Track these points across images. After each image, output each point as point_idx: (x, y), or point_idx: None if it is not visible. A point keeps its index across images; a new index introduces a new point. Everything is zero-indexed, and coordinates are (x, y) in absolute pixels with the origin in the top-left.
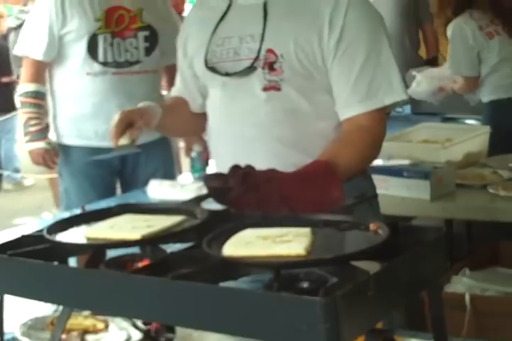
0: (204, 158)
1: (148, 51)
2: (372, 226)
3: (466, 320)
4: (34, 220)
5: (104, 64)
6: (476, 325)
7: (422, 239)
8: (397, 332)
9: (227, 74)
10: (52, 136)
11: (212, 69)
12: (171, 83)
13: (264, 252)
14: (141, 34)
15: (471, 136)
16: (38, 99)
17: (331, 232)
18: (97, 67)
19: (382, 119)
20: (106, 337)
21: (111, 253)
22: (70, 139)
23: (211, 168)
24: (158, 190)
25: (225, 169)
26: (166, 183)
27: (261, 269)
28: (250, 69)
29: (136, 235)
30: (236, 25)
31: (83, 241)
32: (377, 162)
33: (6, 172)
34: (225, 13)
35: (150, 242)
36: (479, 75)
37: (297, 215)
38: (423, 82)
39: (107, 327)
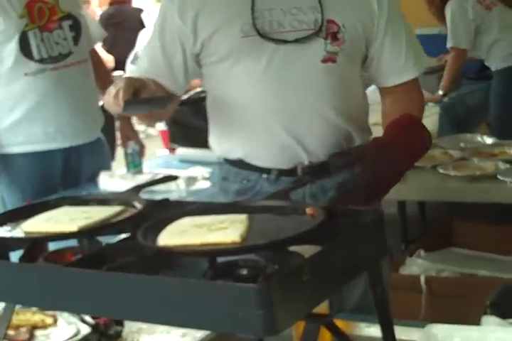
0: (141, 154)
1: (76, 40)
2: (308, 211)
3: (422, 301)
4: None
5: (41, 61)
6: (433, 307)
7: (359, 222)
8: (344, 316)
9: (285, 42)
10: None
11: (268, 38)
12: (96, 68)
13: (198, 240)
14: (65, 24)
15: None
16: None
17: (268, 218)
18: (34, 65)
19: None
20: (55, 332)
21: (55, 247)
22: (12, 148)
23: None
24: (109, 182)
25: (269, 142)
26: (116, 175)
27: (196, 258)
28: (311, 38)
29: (73, 227)
30: None
31: (20, 234)
32: None
33: None
34: None
35: (87, 234)
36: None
37: (236, 202)
38: None
39: (55, 321)
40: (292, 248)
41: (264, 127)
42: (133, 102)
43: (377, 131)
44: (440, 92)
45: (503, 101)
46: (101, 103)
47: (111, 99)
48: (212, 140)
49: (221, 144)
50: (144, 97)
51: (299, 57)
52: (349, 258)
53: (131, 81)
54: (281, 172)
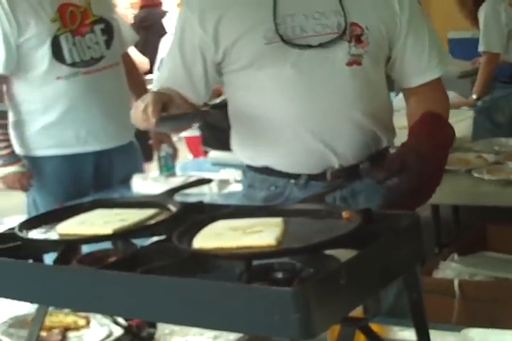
0: (174, 157)
1: (108, 44)
2: (344, 214)
3: (455, 305)
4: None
5: (73, 65)
6: (466, 311)
7: (396, 226)
8: (377, 320)
9: (309, 47)
10: (18, 150)
11: (292, 44)
12: (128, 71)
13: (234, 243)
14: (97, 27)
15: (455, 120)
16: (2, 119)
17: (303, 221)
18: (66, 69)
19: None
20: (87, 333)
21: (88, 249)
22: (44, 150)
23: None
24: (142, 185)
25: (297, 148)
26: (149, 177)
27: (231, 261)
28: (335, 42)
29: (107, 230)
30: (297, 2)
31: (54, 237)
32: None
33: None
34: None
35: (122, 236)
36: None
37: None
38: None
39: (88, 323)
40: (328, 252)
41: (291, 133)
42: (165, 119)
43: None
44: (474, 96)
45: None
46: None
47: (139, 114)
48: (235, 147)
49: (245, 151)
50: (175, 113)
51: (323, 62)
52: (385, 262)
53: (159, 96)
54: (311, 177)
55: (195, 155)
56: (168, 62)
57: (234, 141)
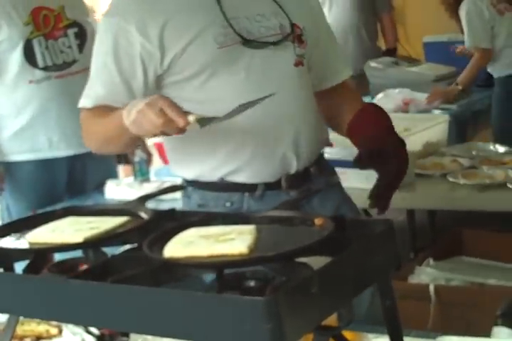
0: (149, 163)
1: (81, 48)
2: (317, 221)
3: (431, 311)
4: None
5: (45, 69)
6: (442, 316)
7: (369, 232)
8: (351, 327)
9: (265, 43)
10: None
11: (253, 45)
12: None
13: (205, 252)
14: (71, 31)
15: (430, 125)
16: None
17: (276, 228)
18: (38, 73)
19: None
20: None
21: (60, 257)
22: (17, 155)
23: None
24: (115, 190)
25: (258, 154)
26: (123, 183)
27: (202, 270)
28: (282, 42)
29: (78, 238)
30: (237, 6)
31: (24, 245)
32: (334, 152)
33: None
34: None
35: (92, 245)
36: (492, 48)
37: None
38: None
39: (60, 332)
40: (301, 259)
41: (253, 140)
42: (205, 119)
43: None
44: (459, 87)
45: (504, 110)
46: None
47: (152, 120)
48: (177, 166)
49: (192, 168)
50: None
51: (275, 62)
52: (359, 269)
53: (167, 97)
54: (267, 187)
55: (165, 161)
56: (100, 77)
57: (175, 160)
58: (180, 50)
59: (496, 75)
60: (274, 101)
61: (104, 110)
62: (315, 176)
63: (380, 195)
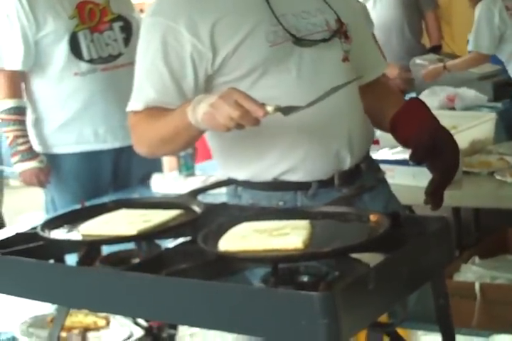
0: (195, 156)
1: (127, 42)
2: (372, 218)
3: (476, 308)
4: (40, 216)
5: (91, 61)
6: (487, 314)
7: (425, 230)
8: (404, 325)
9: (315, 42)
10: (36, 148)
11: (303, 40)
12: None
13: (260, 246)
14: (116, 25)
15: (477, 123)
16: (21, 115)
17: (331, 224)
18: (84, 65)
19: None
20: (107, 334)
21: (111, 249)
22: (62, 148)
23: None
24: (161, 184)
25: (313, 151)
26: (169, 177)
27: (258, 264)
28: (330, 39)
29: (131, 230)
30: (284, 3)
31: (77, 237)
32: (383, 151)
33: (8, 169)
34: None
35: (146, 237)
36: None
37: (297, 207)
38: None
39: (108, 324)
40: (354, 255)
41: (305, 138)
42: (287, 107)
43: None
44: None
45: None
46: None
47: (228, 112)
48: (227, 166)
49: (245, 168)
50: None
51: (324, 59)
52: (414, 267)
53: (240, 90)
54: (320, 185)
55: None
56: (150, 78)
57: (225, 160)
58: (232, 49)
59: None
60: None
61: (156, 112)
62: (365, 173)
63: (436, 191)
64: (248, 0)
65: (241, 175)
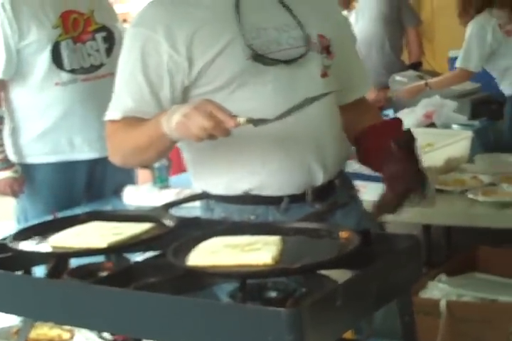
0: (170, 169)
1: (109, 52)
2: (342, 234)
3: (440, 326)
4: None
5: (72, 71)
6: (452, 331)
7: (394, 248)
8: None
9: (286, 62)
10: (11, 157)
11: (264, 61)
12: None
13: (230, 261)
14: (99, 35)
15: (452, 141)
16: None
17: (302, 240)
18: (65, 75)
19: None
20: None
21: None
22: (37, 157)
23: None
24: (134, 196)
25: (285, 166)
26: (142, 189)
27: (226, 279)
28: (307, 55)
29: (102, 243)
30: (260, 16)
31: (47, 249)
32: (355, 167)
33: None
34: (237, 5)
35: (116, 250)
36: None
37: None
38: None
39: (72, 337)
40: (324, 272)
41: (279, 152)
42: (258, 119)
43: None
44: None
45: None
46: None
47: (200, 123)
48: (200, 179)
49: (217, 181)
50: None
51: (301, 74)
52: (382, 284)
53: (214, 101)
54: (292, 200)
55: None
56: (128, 88)
57: (199, 173)
58: (208, 61)
59: (506, 93)
60: (299, 112)
61: (132, 121)
62: (339, 189)
63: (384, 205)
64: (228, 13)
65: (213, 187)
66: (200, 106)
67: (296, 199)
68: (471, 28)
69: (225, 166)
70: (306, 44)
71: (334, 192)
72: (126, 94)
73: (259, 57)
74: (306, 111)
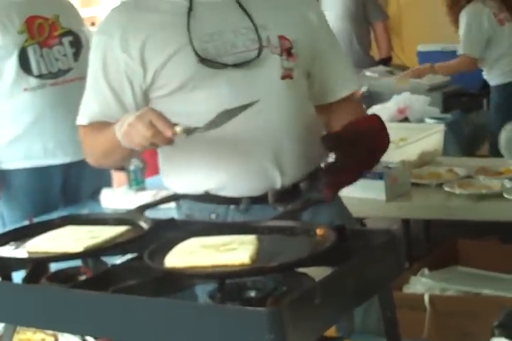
0: (145, 171)
1: (76, 56)
2: (318, 232)
3: (426, 320)
4: None
5: (40, 76)
6: (437, 326)
7: (371, 243)
8: (353, 338)
9: (236, 65)
10: None
11: (216, 63)
12: None
13: (207, 262)
14: (66, 40)
15: (426, 134)
16: None
17: (278, 239)
18: (33, 81)
19: None
20: None
21: (59, 266)
22: (12, 163)
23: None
24: (111, 199)
25: (241, 170)
26: (118, 191)
27: (204, 280)
28: (263, 57)
29: (78, 247)
30: (217, 20)
31: (24, 255)
32: None
33: None
34: (189, 11)
35: (92, 254)
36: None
37: (244, 222)
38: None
39: None
40: (302, 269)
41: (235, 155)
42: (191, 129)
43: None
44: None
45: (503, 117)
46: None
47: (142, 132)
48: (167, 176)
49: (181, 179)
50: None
51: (259, 76)
52: (361, 280)
53: (157, 110)
54: (252, 201)
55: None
56: (94, 94)
57: (166, 170)
58: (160, 65)
59: (493, 83)
60: (255, 114)
61: (100, 125)
62: (306, 192)
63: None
64: (181, 17)
65: (179, 186)
66: (142, 116)
67: (256, 200)
68: (466, 16)
69: (189, 167)
70: (264, 45)
71: (299, 195)
72: (92, 99)
73: (207, 62)
74: (265, 115)
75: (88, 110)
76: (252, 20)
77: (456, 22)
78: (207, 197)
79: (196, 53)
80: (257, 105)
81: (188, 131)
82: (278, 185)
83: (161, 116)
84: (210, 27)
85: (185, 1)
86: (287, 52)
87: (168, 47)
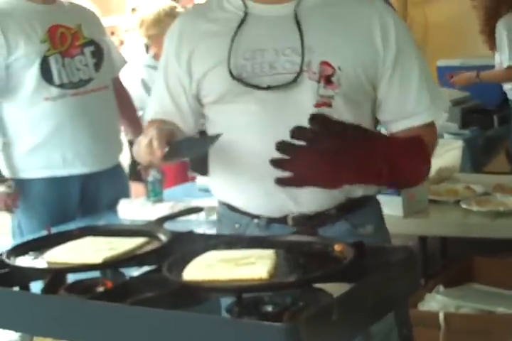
0: (163, 183)
1: (97, 66)
2: (337, 248)
3: (440, 338)
4: (6, 241)
5: (61, 86)
6: None
7: (389, 260)
8: None
9: (267, 88)
10: (4, 172)
11: (246, 84)
12: (118, 95)
13: (225, 276)
14: (87, 50)
15: (443, 151)
16: None
17: (296, 253)
18: (54, 90)
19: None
20: None
21: (76, 277)
22: (30, 172)
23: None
24: (128, 210)
25: (257, 190)
26: (136, 202)
27: (222, 293)
28: (297, 82)
29: (97, 258)
30: (265, 36)
31: (43, 265)
32: None
33: None
34: (241, 24)
35: (111, 266)
36: None
37: (263, 236)
38: None
39: None
40: (319, 285)
41: (253, 175)
42: (171, 154)
43: None
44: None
45: None
46: (122, 130)
47: (143, 149)
48: (210, 178)
49: (215, 184)
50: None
51: (291, 102)
52: (378, 297)
53: (162, 131)
54: (271, 220)
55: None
56: (155, 93)
57: (210, 172)
58: (202, 75)
59: (510, 96)
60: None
61: (157, 124)
62: (333, 220)
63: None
64: (231, 29)
65: (215, 189)
66: (146, 134)
67: (276, 220)
68: (506, 26)
69: (219, 175)
70: (305, 70)
71: (324, 222)
72: (154, 99)
73: (240, 81)
74: (265, 143)
75: (150, 108)
76: (302, 41)
77: (491, 34)
78: (234, 207)
79: (230, 71)
80: (283, 131)
81: (166, 158)
82: (292, 211)
83: (159, 135)
84: (255, 43)
85: (242, 11)
86: (326, 79)
87: (209, 60)
